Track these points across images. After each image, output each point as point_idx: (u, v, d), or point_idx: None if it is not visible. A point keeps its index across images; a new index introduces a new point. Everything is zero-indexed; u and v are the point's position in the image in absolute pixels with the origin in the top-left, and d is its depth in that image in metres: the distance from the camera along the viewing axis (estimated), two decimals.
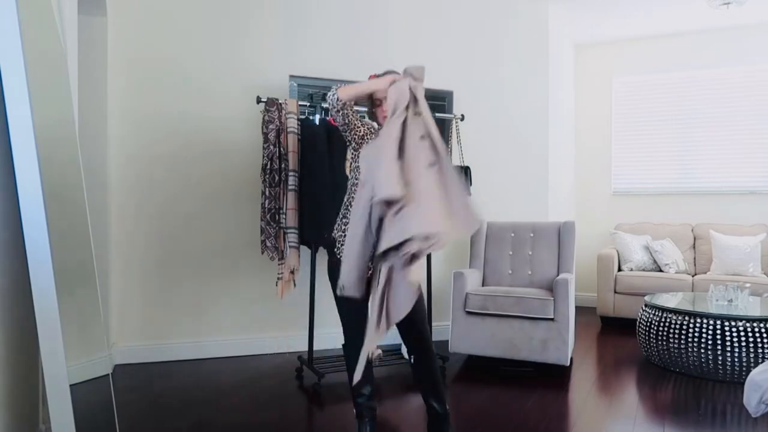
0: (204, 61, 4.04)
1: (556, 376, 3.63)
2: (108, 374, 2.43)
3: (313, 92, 3.77)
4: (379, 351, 3.79)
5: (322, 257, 3.30)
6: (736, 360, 3.50)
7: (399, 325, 2.45)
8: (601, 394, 3.32)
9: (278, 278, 3.52)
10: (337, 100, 2.34)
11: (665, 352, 3.78)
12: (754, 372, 2.08)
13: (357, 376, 2.22)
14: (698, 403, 3.16)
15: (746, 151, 5.57)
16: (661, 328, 3.80)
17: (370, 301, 2.27)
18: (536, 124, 5.04)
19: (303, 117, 3.57)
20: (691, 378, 3.63)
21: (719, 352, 3.53)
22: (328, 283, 2.46)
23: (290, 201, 3.46)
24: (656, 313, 3.89)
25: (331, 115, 2.41)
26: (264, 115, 3.49)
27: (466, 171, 4.09)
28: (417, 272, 2.10)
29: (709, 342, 3.56)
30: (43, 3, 2.04)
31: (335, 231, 2.47)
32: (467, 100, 4.61)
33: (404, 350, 3.86)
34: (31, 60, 1.74)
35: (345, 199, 2.47)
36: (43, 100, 1.94)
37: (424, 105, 2.23)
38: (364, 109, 2.61)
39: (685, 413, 3.01)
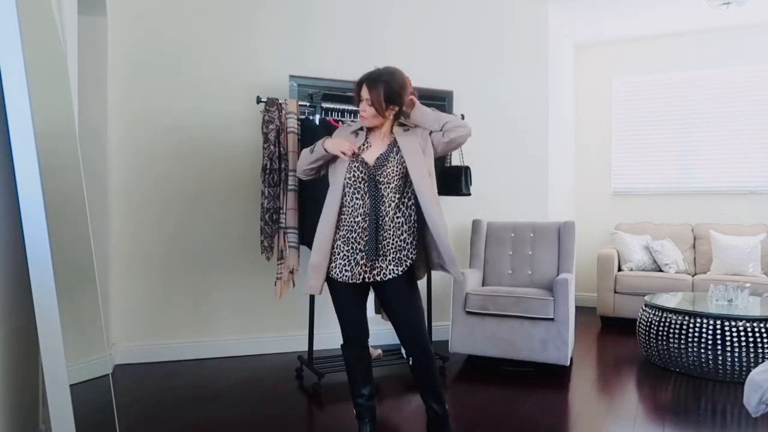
0: (204, 61, 4.04)
1: (556, 376, 3.63)
2: (108, 374, 2.43)
3: (313, 92, 3.77)
4: (379, 351, 3.79)
5: None
6: (736, 360, 3.50)
7: (396, 328, 2.45)
8: (601, 394, 3.32)
9: (277, 278, 3.52)
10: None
11: (665, 352, 3.78)
12: (754, 372, 2.08)
13: None
14: (698, 403, 3.16)
15: (746, 151, 5.57)
16: (661, 328, 3.80)
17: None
18: (536, 123, 5.04)
19: (303, 117, 3.57)
20: (691, 378, 3.63)
21: (719, 352, 3.53)
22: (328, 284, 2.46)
23: (290, 201, 3.46)
24: (656, 313, 3.89)
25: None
26: (264, 115, 3.49)
27: (466, 171, 4.08)
28: None
29: (709, 342, 3.56)
30: (43, 3, 2.04)
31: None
32: (467, 99, 4.61)
33: (404, 351, 3.86)
34: (31, 60, 1.74)
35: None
36: (43, 100, 1.94)
37: None
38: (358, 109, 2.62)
39: (685, 413, 3.01)
